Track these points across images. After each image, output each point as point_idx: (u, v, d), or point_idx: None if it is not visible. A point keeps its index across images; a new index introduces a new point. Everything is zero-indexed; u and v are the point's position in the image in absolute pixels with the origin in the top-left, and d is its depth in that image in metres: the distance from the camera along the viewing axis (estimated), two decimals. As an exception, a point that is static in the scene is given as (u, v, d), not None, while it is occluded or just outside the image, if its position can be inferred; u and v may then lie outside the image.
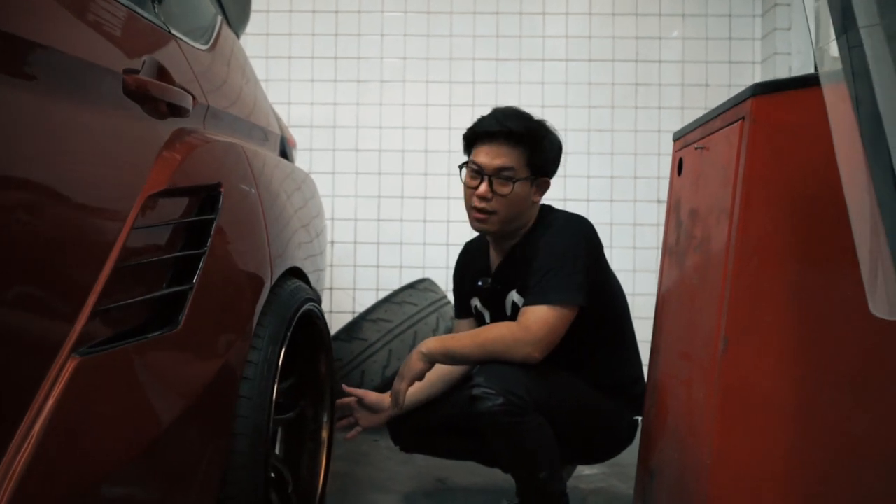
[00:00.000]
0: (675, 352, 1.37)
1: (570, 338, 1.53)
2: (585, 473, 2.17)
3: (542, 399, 1.46)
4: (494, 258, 1.72)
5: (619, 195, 3.23)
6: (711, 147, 1.28)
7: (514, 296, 1.63)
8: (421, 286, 2.74)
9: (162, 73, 1.13)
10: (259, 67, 3.29)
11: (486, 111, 1.68)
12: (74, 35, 0.91)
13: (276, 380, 1.25)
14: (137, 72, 1.04)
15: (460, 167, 1.65)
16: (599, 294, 1.59)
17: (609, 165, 3.23)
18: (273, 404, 1.23)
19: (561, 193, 3.19)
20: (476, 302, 1.76)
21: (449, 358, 1.56)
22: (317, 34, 3.27)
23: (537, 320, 1.47)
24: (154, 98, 1.07)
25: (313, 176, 3.27)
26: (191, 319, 1.01)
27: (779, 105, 1.10)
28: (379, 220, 3.26)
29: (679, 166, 1.49)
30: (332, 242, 3.26)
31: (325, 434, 1.71)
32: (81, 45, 0.92)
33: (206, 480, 1.08)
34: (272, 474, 1.53)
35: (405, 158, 3.23)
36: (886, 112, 0.74)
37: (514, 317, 1.59)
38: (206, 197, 1.15)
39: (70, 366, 0.79)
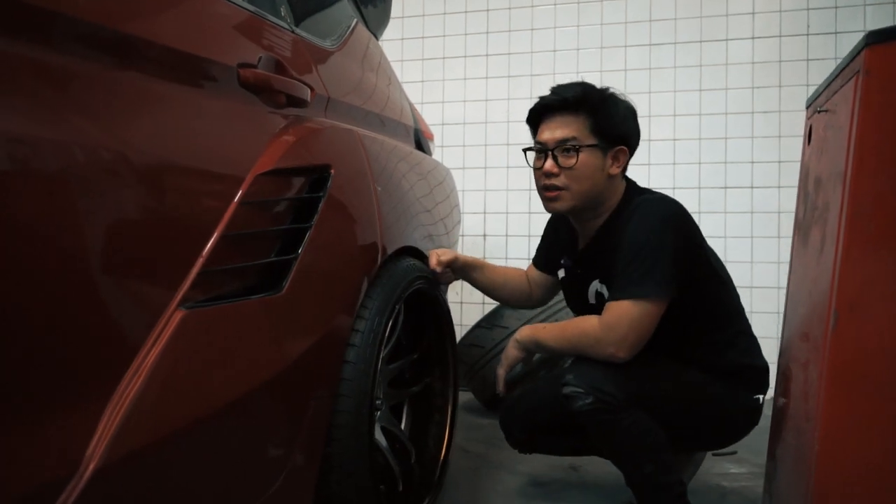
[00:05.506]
0: (798, 333, 1.26)
1: (670, 325, 1.43)
2: (732, 472, 2.04)
3: (637, 392, 1.39)
4: (580, 239, 1.64)
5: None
6: (833, 108, 1.17)
7: (597, 285, 1.56)
8: (565, 276, 2.73)
9: (280, 68, 1.26)
10: (415, 69, 3.47)
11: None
12: (197, 37, 1.06)
13: (381, 348, 1.33)
14: (254, 66, 1.18)
15: (525, 152, 1.60)
16: (697, 278, 1.47)
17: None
18: (377, 370, 1.32)
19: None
20: (562, 273, 1.71)
21: (539, 348, 1.54)
22: (469, 33, 3.37)
23: (620, 318, 1.39)
24: (270, 89, 1.20)
25: (466, 171, 3.39)
26: (294, 286, 1.12)
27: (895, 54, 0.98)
28: (530, 213, 3.29)
29: (809, 135, 1.37)
30: (485, 236, 3.34)
31: (449, 408, 1.79)
32: (202, 44, 1.06)
33: (311, 432, 1.18)
34: (395, 444, 1.62)
35: (555, 150, 3.22)
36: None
37: (598, 306, 1.51)
38: (316, 177, 1.26)
39: (176, 316, 0.92)
